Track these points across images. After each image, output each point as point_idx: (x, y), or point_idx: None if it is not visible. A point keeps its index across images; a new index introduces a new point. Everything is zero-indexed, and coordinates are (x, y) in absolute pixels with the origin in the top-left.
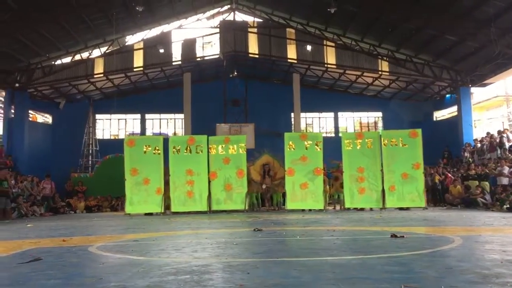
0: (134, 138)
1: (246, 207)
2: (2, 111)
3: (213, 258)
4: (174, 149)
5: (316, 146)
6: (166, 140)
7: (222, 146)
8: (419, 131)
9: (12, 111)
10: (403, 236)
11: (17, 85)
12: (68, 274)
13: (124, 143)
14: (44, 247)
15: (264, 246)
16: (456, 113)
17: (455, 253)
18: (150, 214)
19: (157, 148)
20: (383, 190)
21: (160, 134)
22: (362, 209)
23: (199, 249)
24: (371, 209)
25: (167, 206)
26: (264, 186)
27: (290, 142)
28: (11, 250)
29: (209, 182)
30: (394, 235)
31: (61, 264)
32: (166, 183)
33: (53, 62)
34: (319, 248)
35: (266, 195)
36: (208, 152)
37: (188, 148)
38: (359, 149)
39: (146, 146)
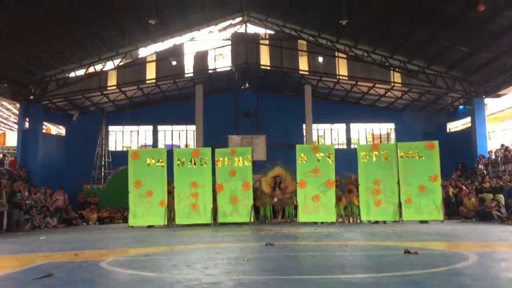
0: (138, 151)
1: (252, 220)
2: (16, 123)
3: (224, 275)
4: (178, 161)
5: (328, 158)
6: (169, 152)
7: (228, 158)
8: (436, 142)
9: (27, 123)
10: (417, 253)
11: (31, 97)
12: None
13: (128, 155)
14: (56, 262)
15: (275, 262)
16: (469, 125)
17: (470, 271)
18: (152, 226)
19: (160, 160)
20: (399, 203)
21: (172, 145)
22: (376, 222)
23: (210, 265)
24: (384, 222)
25: (172, 218)
26: (275, 199)
27: (302, 154)
28: (24, 264)
29: (215, 194)
30: (407, 251)
31: (73, 280)
32: (170, 195)
33: (67, 75)
34: (332, 265)
35: (277, 207)
36: (214, 164)
37: (193, 160)
38: (375, 161)
39: (149, 158)
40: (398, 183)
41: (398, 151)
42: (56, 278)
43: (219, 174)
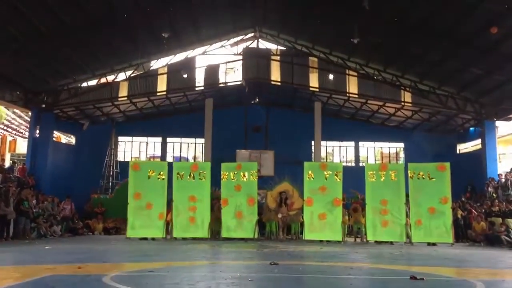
0: (139, 163)
1: (256, 236)
2: (27, 131)
3: None
4: (178, 175)
5: (335, 177)
6: (171, 165)
7: (234, 173)
8: (447, 164)
9: (37, 131)
10: (423, 279)
11: (43, 105)
12: None
13: (129, 166)
14: (59, 275)
15: (278, 284)
16: (480, 147)
17: None
18: (146, 239)
19: (161, 173)
20: (406, 224)
21: (180, 158)
22: (381, 242)
23: (213, 284)
24: (391, 243)
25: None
26: (280, 216)
27: (310, 172)
28: (28, 276)
29: (212, 208)
30: (413, 277)
31: None
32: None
33: (79, 84)
34: None
35: (281, 224)
36: (220, 178)
37: (192, 174)
38: (382, 181)
39: (150, 171)
40: (406, 203)
41: (409, 171)
42: None
43: (224, 189)
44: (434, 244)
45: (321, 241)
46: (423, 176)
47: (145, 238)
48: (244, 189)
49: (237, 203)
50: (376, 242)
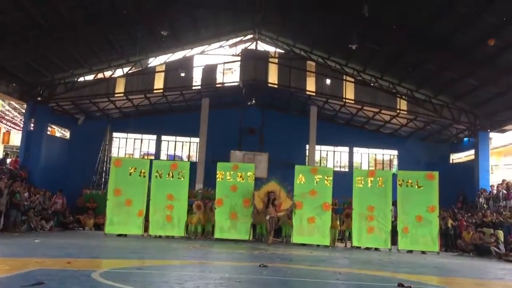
0: (121, 159)
1: (250, 238)
2: (22, 123)
3: None
4: (157, 173)
5: (326, 181)
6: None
7: (230, 173)
8: (436, 173)
9: (32, 124)
10: (410, 287)
11: (39, 98)
12: None
13: (111, 162)
14: (48, 269)
15: (266, 286)
16: (473, 157)
17: None
18: (124, 235)
19: (143, 171)
20: (392, 231)
21: (174, 156)
22: (368, 249)
23: (202, 284)
24: (376, 249)
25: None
26: (267, 217)
27: (300, 175)
28: (16, 269)
29: (192, 210)
30: (401, 285)
31: None
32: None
33: (76, 79)
34: None
35: (269, 226)
36: (215, 178)
37: (171, 173)
38: (370, 187)
39: (132, 168)
40: (392, 210)
41: (398, 179)
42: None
43: (219, 188)
44: (423, 252)
45: (309, 245)
46: (412, 184)
47: (124, 235)
48: (240, 190)
49: (232, 203)
50: (359, 248)
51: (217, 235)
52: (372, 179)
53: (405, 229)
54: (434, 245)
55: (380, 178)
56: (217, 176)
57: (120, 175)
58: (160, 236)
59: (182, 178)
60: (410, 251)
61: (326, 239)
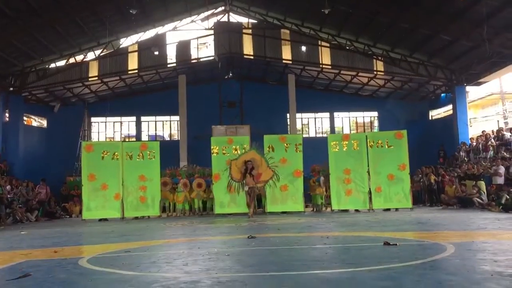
0: (92, 144)
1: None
2: None
3: (203, 273)
4: (127, 155)
5: (295, 148)
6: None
7: (225, 147)
8: (404, 132)
9: (7, 115)
10: (396, 244)
11: (11, 89)
12: None
13: (82, 148)
14: (35, 260)
15: (255, 257)
16: (451, 112)
17: (446, 264)
18: (105, 219)
19: (116, 154)
20: (369, 192)
21: (155, 136)
22: (346, 211)
23: (190, 261)
24: (357, 210)
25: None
26: (246, 188)
27: (270, 144)
28: (2, 263)
29: (194, 188)
30: (387, 243)
31: (49, 281)
32: (165, 187)
33: (47, 66)
34: (311, 259)
35: (248, 197)
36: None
37: (141, 154)
38: (345, 150)
39: (104, 151)
40: (368, 172)
41: (368, 140)
42: (32, 279)
43: (215, 163)
44: (396, 209)
45: (283, 212)
46: (382, 145)
47: (105, 219)
48: None
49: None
50: (339, 210)
51: (217, 210)
52: (346, 142)
53: (378, 189)
54: (407, 201)
55: (355, 141)
56: (212, 151)
57: (92, 159)
58: (136, 218)
59: (153, 158)
60: (387, 209)
61: (300, 205)
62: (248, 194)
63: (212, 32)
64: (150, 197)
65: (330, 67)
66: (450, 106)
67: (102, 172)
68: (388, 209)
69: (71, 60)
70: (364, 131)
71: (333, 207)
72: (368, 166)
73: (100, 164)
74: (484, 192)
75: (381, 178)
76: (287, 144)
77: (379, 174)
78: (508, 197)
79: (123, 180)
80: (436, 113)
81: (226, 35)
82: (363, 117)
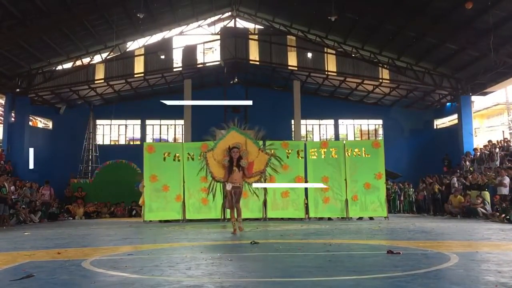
0: (153, 145)
1: (263, 216)
2: (2, 116)
3: (206, 277)
4: (188, 156)
5: (297, 155)
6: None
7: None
8: (381, 141)
9: (13, 116)
10: (400, 253)
11: (18, 90)
12: None
13: (143, 149)
14: (38, 261)
15: (258, 263)
16: (456, 121)
17: (450, 274)
18: (168, 221)
19: (177, 155)
20: (347, 200)
21: (160, 140)
22: (321, 219)
23: (193, 265)
24: (329, 218)
25: None
26: (229, 187)
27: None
28: (5, 263)
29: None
30: (390, 251)
31: (52, 282)
32: None
33: (54, 68)
34: (314, 266)
35: (228, 201)
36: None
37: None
38: (323, 158)
39: (166, 153)
40: (346, 180)
41: (346, 149)
42: (35, 280)
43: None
44: (371, 218)
45: (282, 219)
46: (359, 153)
47: (167, 221)
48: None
49: None
50: (316, 218)
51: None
52: (325, 150)
53: (354, 197)
54: (382, 210)
55: (333, 149)
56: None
57: (154, 160)
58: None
59: None
60: (360, 218)
61: (301, 212)
62: (231, 195)
63: (218, 37)
64: (213, 199)
65: (335, 74)
66: (455, 116)
67: (163, 173)
68: (361, 218)
69: (78, 63)
70: (369, 139)
71: (310, 214)
72: (345, 174)
73: (162, 165)
74: (488, 202)
75: (358, 187)
76: (289, 150)
77: (355, 182)
78: None
79: (185, 182)
80: (441, 122)
81: (232, 41)
82: (368, 124)
